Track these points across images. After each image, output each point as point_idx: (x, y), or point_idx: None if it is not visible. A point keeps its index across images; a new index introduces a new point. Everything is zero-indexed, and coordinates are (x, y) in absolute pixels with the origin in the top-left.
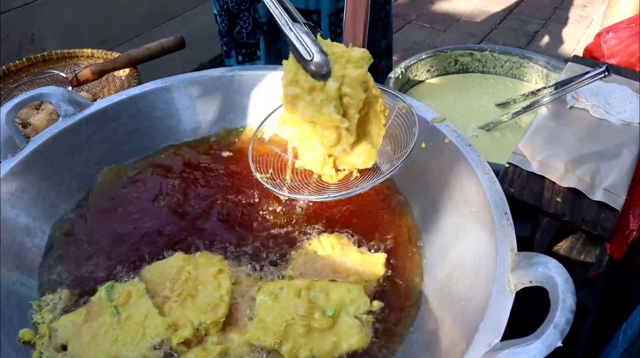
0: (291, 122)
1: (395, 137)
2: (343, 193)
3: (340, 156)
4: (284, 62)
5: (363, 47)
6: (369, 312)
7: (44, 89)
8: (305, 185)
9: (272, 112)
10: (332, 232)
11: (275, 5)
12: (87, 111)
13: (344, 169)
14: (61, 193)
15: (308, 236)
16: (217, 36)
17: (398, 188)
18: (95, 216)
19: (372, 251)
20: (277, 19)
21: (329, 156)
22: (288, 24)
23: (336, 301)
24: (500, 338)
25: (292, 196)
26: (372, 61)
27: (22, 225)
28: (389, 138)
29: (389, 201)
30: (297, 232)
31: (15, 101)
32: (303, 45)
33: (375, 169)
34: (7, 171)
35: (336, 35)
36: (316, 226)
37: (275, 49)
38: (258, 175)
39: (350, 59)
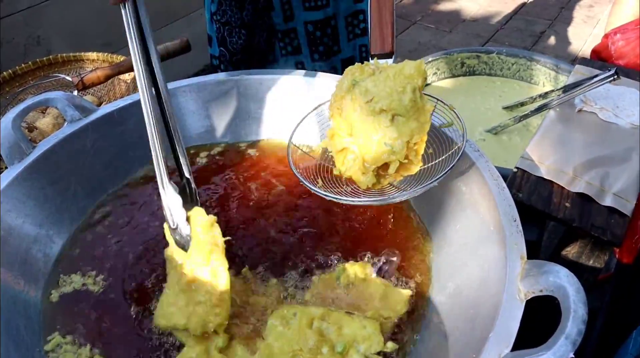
0: (341, 130)
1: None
2: (391, 196)
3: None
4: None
5: (392, 50)
6: (381, 353)
7: (49, 94)
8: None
9: (302, 120)
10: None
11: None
12: (93, 116)
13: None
14: (67, 199)
15: (330, 256)
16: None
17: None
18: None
19: (397, 283)
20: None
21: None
22: (162, 181)
23: (348, 337)
24: (510, 348)
25: (350, 200)
26: (426, 74)
27: (28, 231)
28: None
29: (397, 208)
30: (320, 254)
31: (22, 106)
32: (170, 212)
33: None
34: (13, 176)
35: (354, 35)
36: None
37: (295, 60)
38: (314, 188)
39: (403, 74)
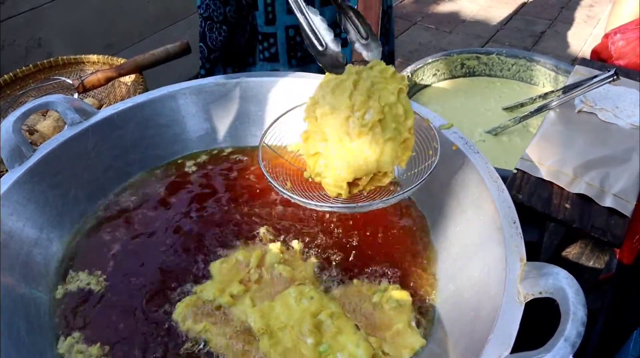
0: (316, 134)
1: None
2: (360, 204)
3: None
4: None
5: (376, 35)
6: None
7: (50, 98)
8: (310, 196)
9: (275, 120)
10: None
11: None
12: (93, 119)
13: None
14: (68, 202)
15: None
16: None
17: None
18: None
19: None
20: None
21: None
22: (301, 7)
23: (337, 344)
24: (509, 351)
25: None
26: (407, 85)
27: (29, 235)
28: None
29: (394, 210)
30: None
31: (22, 110)
32: (315, 32)
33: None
34: (14, 180)
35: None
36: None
37: (272, 67)
38: (282, 189)
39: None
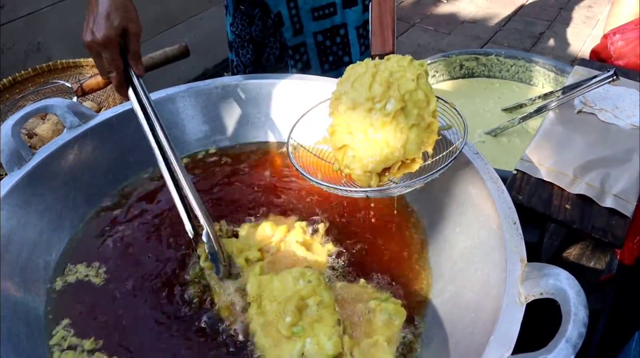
0: (341, 128)
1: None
2: (389, 187)
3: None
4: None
5: (393, 50)
6: None
7: (49, 101)
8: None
9: (302, 116)
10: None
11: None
12: (92, 122)
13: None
14: (67, 205)
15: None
16: (228, 57)
17: (404, 197)
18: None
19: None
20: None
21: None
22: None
23: (311, 331)
24: (511, 352)
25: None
26: (427, 70)
27: (29, 238)
28: None
29: (394, 211)
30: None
31: (21, 113)
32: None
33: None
34: (13, 184)
35: (365, 47)
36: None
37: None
38: (314, 179)
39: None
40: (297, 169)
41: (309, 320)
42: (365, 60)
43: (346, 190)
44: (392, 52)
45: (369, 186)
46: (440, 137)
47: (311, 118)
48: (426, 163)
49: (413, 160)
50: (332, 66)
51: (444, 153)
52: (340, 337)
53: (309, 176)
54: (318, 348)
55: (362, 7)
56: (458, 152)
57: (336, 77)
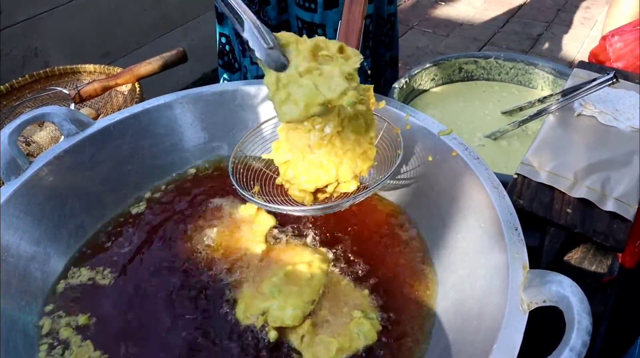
0: (285, 144)
1: (381, 154)
2: (324, 205)
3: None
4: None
5: (357, 47)
6: None
7: (45, 109)
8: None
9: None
10: (335, 252)
11: None
12: (90, 130)
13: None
14: (65, 214)
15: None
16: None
17: (405, 203)
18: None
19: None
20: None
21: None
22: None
23: (285, 294)
24: None
25: (276, 207)
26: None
27: (26, 249)
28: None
29: (395, 218)
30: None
31: (17, 121)
32: (258, 35)
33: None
34: (10, 193)
35: None
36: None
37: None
38: (243, 191)
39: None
40: (237, 188)
41: (291, 288)
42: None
43: (284, 209)
44: (356, 48)
45: (304, 204)
46: (376, 164)
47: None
48: (369, 182)
49: (348, 182)
50: None
51: (388, 172)
52: (304, 315)
53: (246, 194)
54: (278, 313)
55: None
56: (393, 169)
57: None
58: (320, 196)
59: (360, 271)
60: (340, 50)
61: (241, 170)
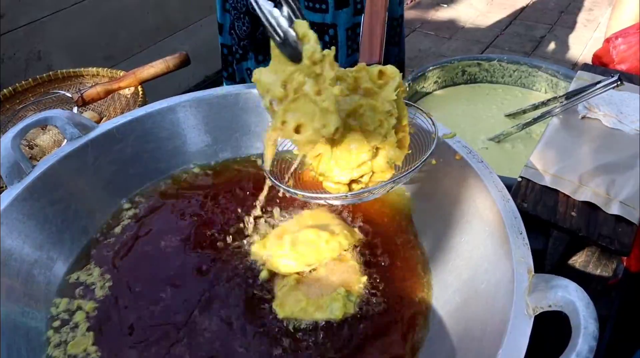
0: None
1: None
2: (363, 191)
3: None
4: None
5: (380, 62)
6: None
7: (48, 113)
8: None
9: None
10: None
11: None
12: (93, 134)
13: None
14: (68, 218)
15: None
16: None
17: (408, 207)
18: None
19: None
20: None
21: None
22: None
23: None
24: None
25: (311, 195)
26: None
27: (29, 253)
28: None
29: (398, 221)
30: None
31: (20, 125)
32: (275, 25)
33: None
34: (13, 197)
35: (352, 50)
36: None
37: None
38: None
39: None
40: (270, 179)
41: (303, 247)
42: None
43: (323, 198)
44: (379, 63)
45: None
46: (410, 152)
47: None
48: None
49: (383, 171)
50: None
51: (420, 161)
52: (295, 271)
53: (282, 186)
54: (278, 260)
55: (353, 10)
56: (424, 159)
57: None
58: (356, 186)
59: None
60: (380, 75)
61: (274, 162)
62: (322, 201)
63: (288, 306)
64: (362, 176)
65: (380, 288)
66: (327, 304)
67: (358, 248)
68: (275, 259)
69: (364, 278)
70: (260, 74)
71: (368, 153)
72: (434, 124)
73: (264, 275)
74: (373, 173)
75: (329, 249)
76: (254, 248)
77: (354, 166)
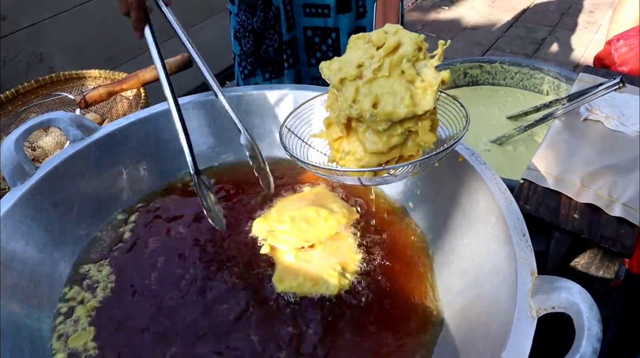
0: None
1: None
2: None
3: None
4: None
5: None
6: None
7: (51, 115)
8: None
9: (294, 110)
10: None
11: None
12: (96, 136)
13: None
14: (70, 220)
15: None
16: (234, 57)
17: (411, 209)
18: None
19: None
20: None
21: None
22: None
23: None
24: None
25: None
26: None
27: (32, 254)
28: None
29: (401, 224)
30: None
31: (23, 128)
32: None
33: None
34: (16, 199)
35: None
36: None
37: (295, 70)
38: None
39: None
40: (288, 152)
41: (302, 224)
42: (369, 35)
43: (342, 171)
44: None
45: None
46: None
47: (307, 113)
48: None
49: (410, 156)
50: (320, 62)
51: (447, 145)
52: (294, 246)
53: (301, 159)
54: (277, 235)
55: (356, 14)
56: (457, 140)
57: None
58: (381, 173)
59: (362, 274)
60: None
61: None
62: (349, 182)
63: (287, 280)
64: (387, 162)
65: (376, 262)
66: (323, 280)
67: (357, 226)
68: (276, 234)
69: (359, 256)
70: (329, 63)
71: (400, 136)
72: (462, 106)
73: (264, 249)
74: (401, 157)
75: (328, 227)
76: (255, 224)
77: (385, 150)
